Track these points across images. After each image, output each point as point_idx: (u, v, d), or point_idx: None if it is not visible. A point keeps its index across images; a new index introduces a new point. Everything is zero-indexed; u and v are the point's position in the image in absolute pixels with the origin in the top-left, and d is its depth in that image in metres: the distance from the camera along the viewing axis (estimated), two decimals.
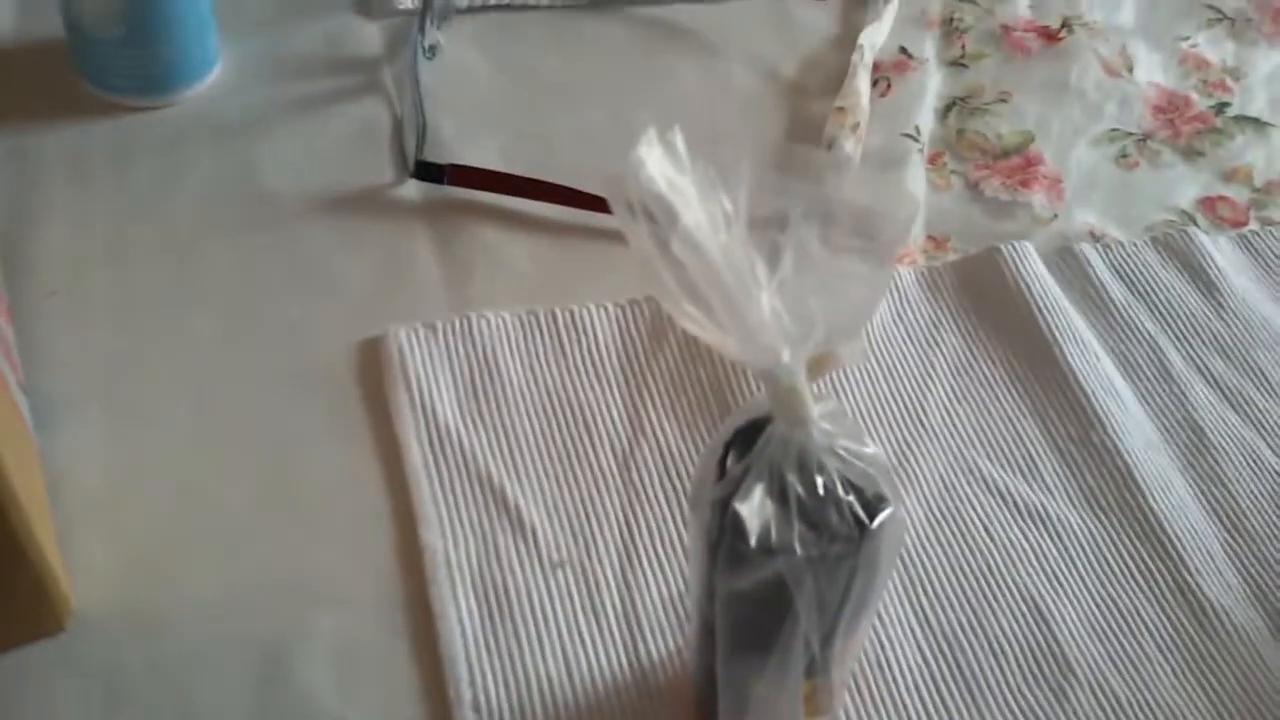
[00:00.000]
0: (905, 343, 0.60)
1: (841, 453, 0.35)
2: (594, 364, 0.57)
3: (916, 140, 0.71)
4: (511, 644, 0.47)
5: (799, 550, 0.34)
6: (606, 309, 0.59)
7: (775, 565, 0.34)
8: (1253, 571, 0.54)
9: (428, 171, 0.63)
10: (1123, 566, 0.53)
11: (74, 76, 0.65)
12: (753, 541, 0.34)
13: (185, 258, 0.59)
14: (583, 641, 0.48)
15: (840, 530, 0.35)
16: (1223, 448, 0.59)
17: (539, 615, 0.48)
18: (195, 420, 0.53)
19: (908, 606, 0.51)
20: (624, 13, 0.76)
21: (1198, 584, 0.53)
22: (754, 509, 0.34)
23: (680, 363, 0.58)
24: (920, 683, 0.48)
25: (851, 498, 0.35)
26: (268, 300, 0.58)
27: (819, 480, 0.34)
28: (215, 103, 0.67)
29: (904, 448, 0.56)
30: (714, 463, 0.36)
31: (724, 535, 0.35)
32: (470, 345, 0.57)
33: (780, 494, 0.34)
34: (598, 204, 0.62)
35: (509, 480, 0.53)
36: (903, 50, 0.77)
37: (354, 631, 0.47)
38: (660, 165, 0.32)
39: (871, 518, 0.35)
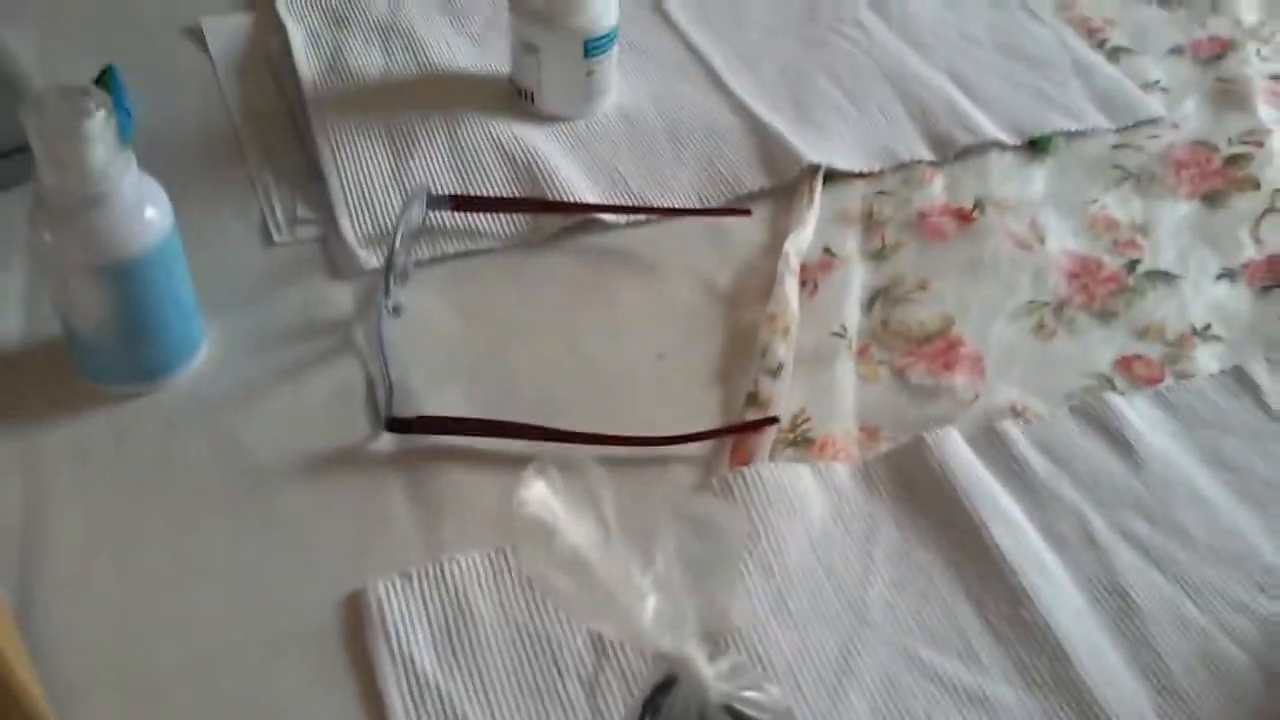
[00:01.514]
0: (844, 538, 0.66)
1: (740, 705, 0.40)
2: None
3: (844, 337, 0.77)
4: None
5: None
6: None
7: None
8: None
9: (398, 425, 0.70)
10: None
11: (74, 374, 0.73)
12: None
13: (183, 536, 0.66)
14: None
15: None
16: (1149, 610, 0.63)
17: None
18: (195, 694, 0.59)
19: None
20: (570, 243, 0.83)
21: None
22: None
23: None
24: None
25: None
26: (257, 566, 0.64)
27: None
28: (203, 381, 0.74)
29: (849, 644, 0.61)
30: None
31: None
32: (444, 590, 0.63)
33: None
34: (558, 436, 0.68)
35: None
36: (826, 250, 0.83)
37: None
38: (542, 494, 0.38)
39: None
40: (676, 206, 0.85)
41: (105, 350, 0.70)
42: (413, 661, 0.59)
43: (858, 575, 0.64)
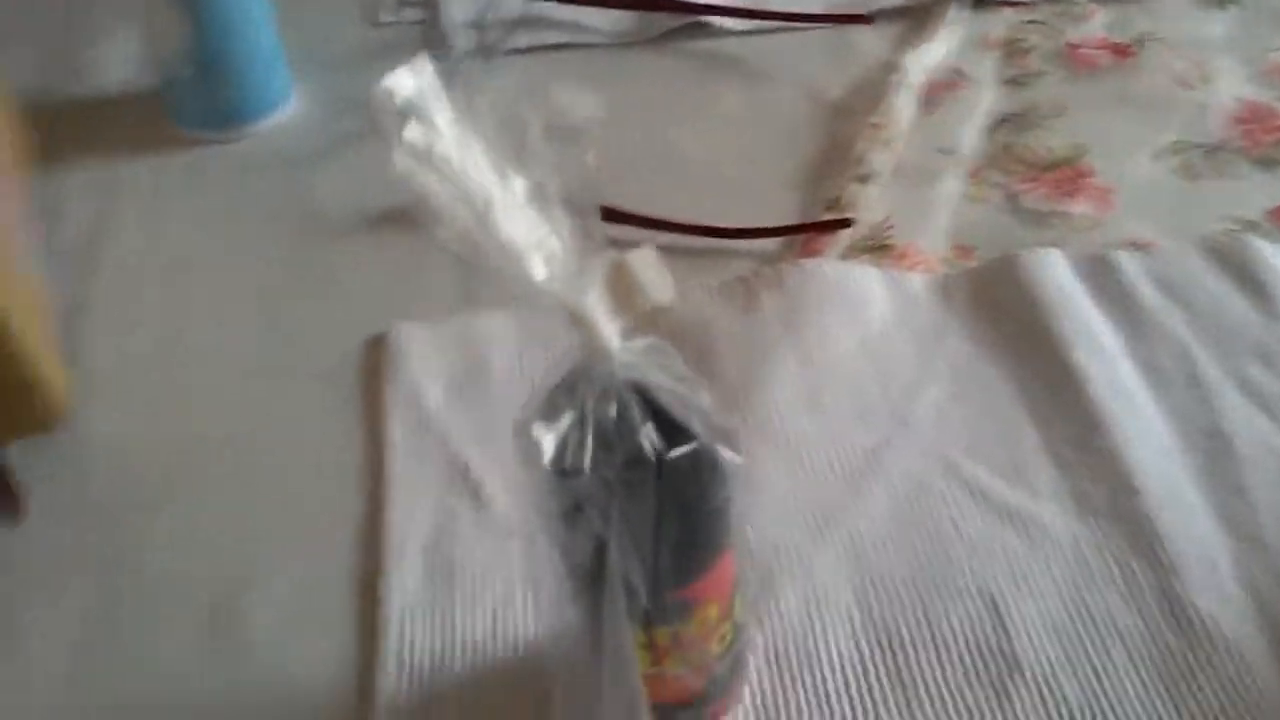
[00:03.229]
0: (904, 344, 0.59)
1: (652, 387, 0.36)
2: None
3: (954, 155, 0.70)
4: (447, 604, 0.49)
5: (587, 469, 0.34)
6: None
7: (570, 487, 0.35)
8: (1262, 585, 0.49)
9: None
10: (1103, 570, 0.50)
11: (167, 120, 0.73)
12: (545, 461, 0.35)
13: (232, 270, 0.65)
14: (514, 608, 0.49)
15: (635, 456, 0.35)
16: (1248, 456, 0.54)
17: (480, 581, 0.50)
18: (209, 404, 0.58)
19: (849, 595, 0.49)
20: (676, 46, 0.79)
21: (1187, 593, 0.49)
22: (550, 431, 0.35)
23: None
24: (851, 673, 0.47)
25: (651, 427, 0.35)
26: (297, 304, 0.63)
27: (614, 408, 0.35)
28: (284, 135, 0.73)
29: (884, 443, 0.55)
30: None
31: (527, 457, 0.36)
32: (465, 342, 0.60)
33: (580, 420, 0.35)
34: (619, 217, 0.64)
35: (477, 460, 0.54)
36: (957, 71, 0.76)
37: (309, 584, 0.50)
38: (416, 89, 0.34)
39: (672, 449, 0.35)
40: (792, 11, 0.79)
41: (186, 88, 0.70)
42: (420, 401, 0.57)
43: (909, 380, 0.57)
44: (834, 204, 0.67)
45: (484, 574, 0.50)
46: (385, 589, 0.49)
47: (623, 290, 0.36)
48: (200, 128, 0.72)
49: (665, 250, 0.62)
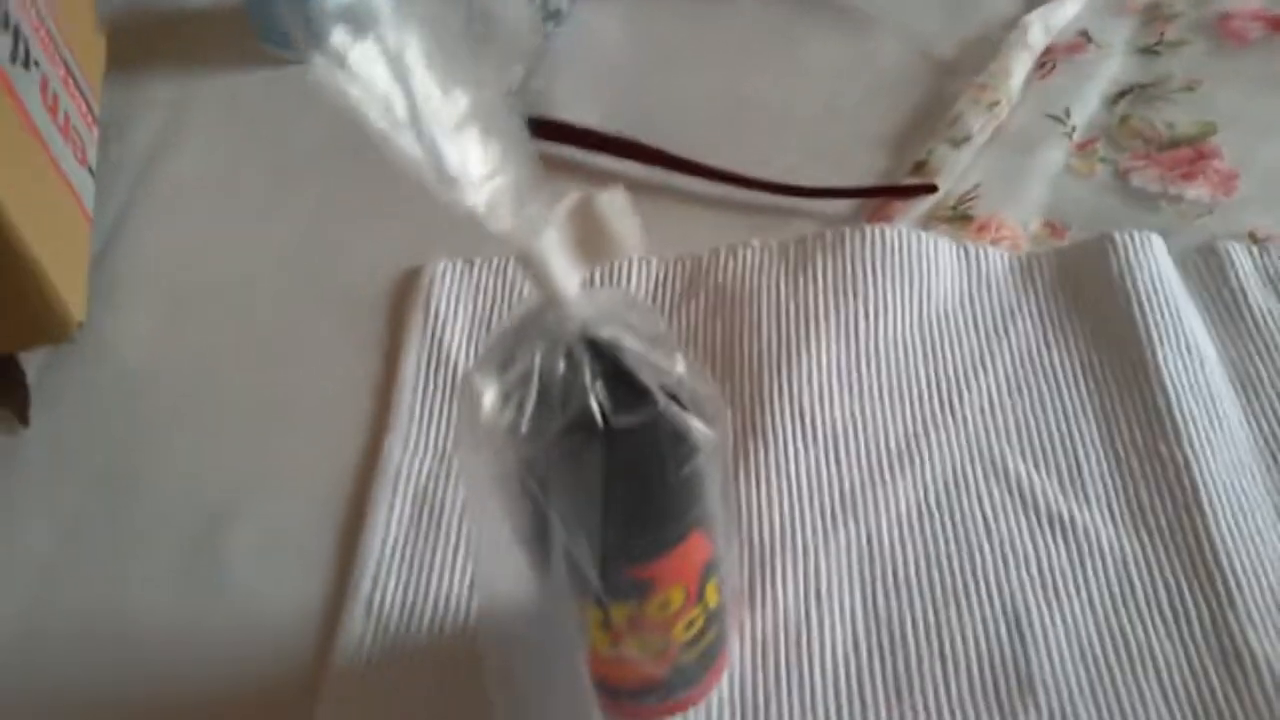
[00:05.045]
0: (966, 324, 0.54)
1: (612, 344, 0.32)
2: None
3: (1064, 123, 0.63)
4: (427, 555, 0.47)
5: (523, 430, 0.31)
6: (649, 263, 0.58)
7: (509, 448, 0.32)
8: None
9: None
10: (1149, 593, 0.44)
11: (249, 35, 0.73)
12: (482, 416, 0.32)
13: (284, 192, 0.64)
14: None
15: (578, 420, 0.31)
16: None
17: (465, 534, 0.47)
18: (230, 313, 0.58)
19: (855, 591, 0.45)
20: None
21: (1243, 629, 0.43)
22: (494, 383, 0.32)
23: (703, 319, 0.55)
24: (843, 673, 0.43)
25: (601, 388, 0.32)
26: (345, 229, 0.62)
27: (562, 364, 0.31)
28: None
29: (923, 430, 0.50)
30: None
31: (467, 410, 0.33)
32: (499, 283, 0.57)
33: (526, 375, 0.32)
34: (681, 165, 0.61)
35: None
36: (1083, 33, 0.69)
37: (292, 512, 0.49)
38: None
39: (624, 414, 0.32)
40: None
41: (276, 3, 0.69)
42: (442, 338, 0.55)
43: (965, 365, 0.52)
44: (919, 167, 0.61)
45: (469, 530, 0.48)
46: (367, 531, 0.47)
47: (589, 235, 0.33)
48: (283, 46, 0.71)
49: (721, 204, 0.59)
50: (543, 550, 0.34)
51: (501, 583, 0.36)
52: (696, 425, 0.34)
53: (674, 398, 0.33)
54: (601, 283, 0.57)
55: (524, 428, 0.31)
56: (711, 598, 0.39)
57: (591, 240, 0.33)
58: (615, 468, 0.32)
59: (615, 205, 0.33)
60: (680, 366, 0.34)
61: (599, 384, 0.32)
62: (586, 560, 0.34)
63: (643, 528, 0.35)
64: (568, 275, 0.32)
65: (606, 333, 0.32)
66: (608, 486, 0.32)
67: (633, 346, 0.32)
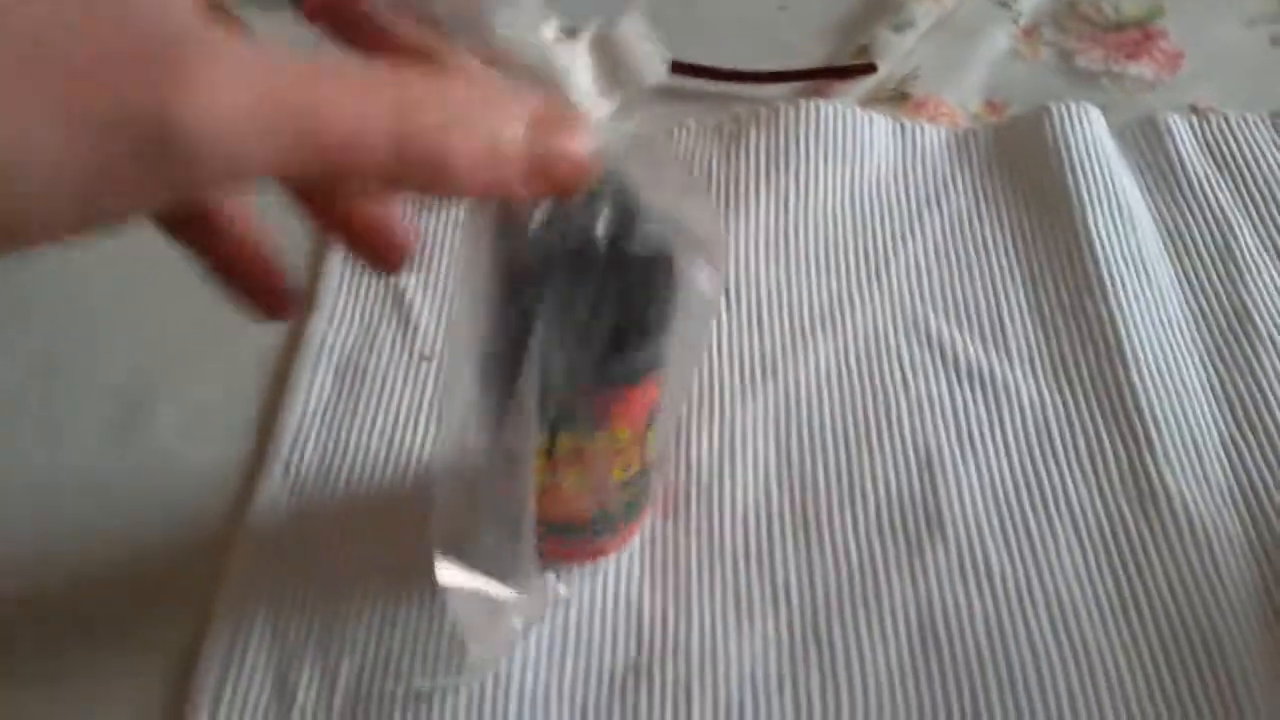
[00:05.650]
0: (898, 197, 0.54)
1: (625, 177, 0.32)
2: None
3: (1010, 8, 0.63)
4: (348, 418, 0.47)
5: (532, 232, 0.31)
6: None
7: (513, 248, 0.32)
8: (1255, 474, 0.43)
9: None
10: (1067, 440, 0.44)
11: None
12: (493, 211, 0.32)
13: None
14: (414, 429, 0.46)
15: (585, 237, 0.31)
16: (1271, 337, 0.47)
17: (386, 399, 0.47)
18: None
19: (770, 439, 0.44)
20: None
21: (1160, 470, 0.43)
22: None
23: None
24: (753, 520, 0.42)
25: (607, 214, 0.31)
26: None
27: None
28: None
29: (846, 295, 0.50)
30: None
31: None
32: None
33: None
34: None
35: (418, 286, 0.52)
36: None
37: (217, 388, 0.49)
38: None
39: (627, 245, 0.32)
40: None
41: None
42: None
43: (894, 234, 0.52)
44: (861, 52, 0.61)
45: (391, 395, 0.48)
46: (288, 396, 0.47)
47: (609, 67, 0.32)
48: None
49: (665, 95, 0.58)
50: (513, 369, 0.33)
51: (464, 421, 0.36)
52: (700, 275, 0.33)
53: (675, 240, 0.33)
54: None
55: (531, 231, 0.31)
56: (651, 447, 0.39)
57: (613, 72, 0.32)
58: (607, 291, 0.32)
59: (638, 33, 0.32)
60: (693, 206, 0.33)
61: (607, 209, 0.32)
62: (557, 375, 0.33)
63: (615, 356, 0.34)
64: (595, 105, 0.31)
65: (622, 162, 0.32)
66: (596, 307, 0.32)
67: (646, 178, 0.32)
